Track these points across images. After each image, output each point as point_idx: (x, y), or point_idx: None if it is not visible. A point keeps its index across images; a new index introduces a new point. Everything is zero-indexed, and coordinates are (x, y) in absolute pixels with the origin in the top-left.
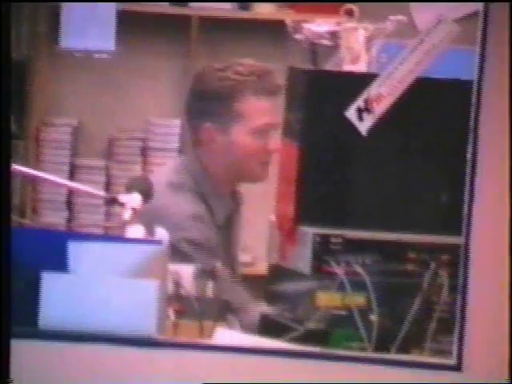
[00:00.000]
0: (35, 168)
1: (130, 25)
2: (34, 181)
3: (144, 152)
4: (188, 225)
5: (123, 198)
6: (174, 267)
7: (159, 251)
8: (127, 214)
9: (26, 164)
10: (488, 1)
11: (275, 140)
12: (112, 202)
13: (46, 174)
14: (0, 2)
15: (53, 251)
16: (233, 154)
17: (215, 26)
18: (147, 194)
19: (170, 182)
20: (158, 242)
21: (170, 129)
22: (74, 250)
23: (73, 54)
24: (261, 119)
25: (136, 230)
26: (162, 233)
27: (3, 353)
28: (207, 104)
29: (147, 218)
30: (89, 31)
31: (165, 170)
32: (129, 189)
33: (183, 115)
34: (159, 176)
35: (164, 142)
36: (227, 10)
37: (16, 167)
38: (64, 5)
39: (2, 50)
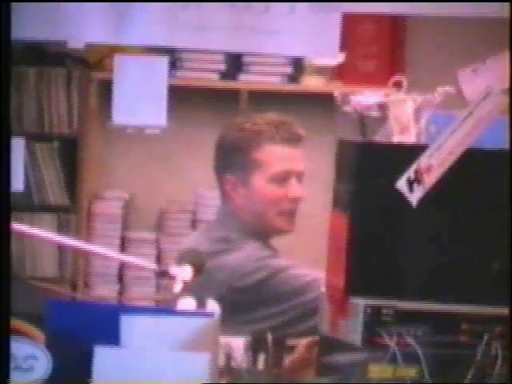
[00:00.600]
0: (87, 241)
1: (180, 99)
2: (85, 254)
3: (194, 224)
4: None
5: (174, 270)
6: (225, 339)
7: (211, 324)
8: (178, 287)
9: (78, 237)
10: (489, 1)
11: (296, 187)
12: (163, 274)
13: (97, 248)
14: (0, 2)
15: (105, 325)
16: (254, 204)
17: (264, 99)
18: (198, 266)
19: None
20: (210, 315)
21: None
22: (126, 323)
23: (124, 129)
24: (279, 166)
25: (187, 303)
26: (213, 305)
27: (3, 352)
28: (227, 155)
29: (198, 290)
30: (140, 107)
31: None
32: (180, 261)
33: (212, 172)
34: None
35: (214, 213)
36: (276, 83)
37: (67, 240)
38: (115, 79)
39: (1, 49)
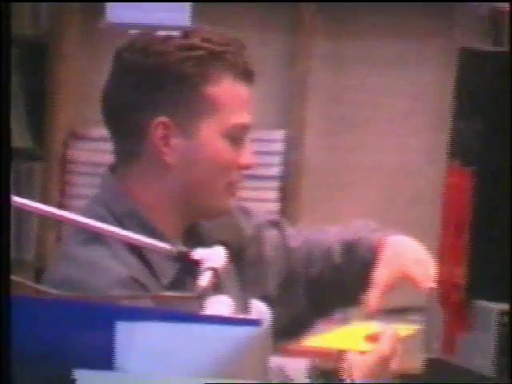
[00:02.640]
0: (60, 205)
1: None
2: (58, 225)
3: None
4: None
5: (199, 253)
6: (278, 360)
7: (257, 336)
8: (205, 279)
9: (46, 198)
10: (488, 1)
11: (249, 151)
12: (181, 259)
13: (77, 216)
14: (0, 2)
15: (92, 335)
16: (197, 166)
17: None
18: (237, 247)
19: None
20: (255, 322)
21: (268, 145)
22: (124, 334)
23: (124, 30)
24: (239, 116)
25: (219, 304)
26: (260, 307)
27: (3, 353)
28: (160, 85)
29: (237, 283)
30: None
31: None
32: (207, 238)
33: (103, 111)
34: None
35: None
36: None
37: (31, 204)
38: None
39: (2, 50)
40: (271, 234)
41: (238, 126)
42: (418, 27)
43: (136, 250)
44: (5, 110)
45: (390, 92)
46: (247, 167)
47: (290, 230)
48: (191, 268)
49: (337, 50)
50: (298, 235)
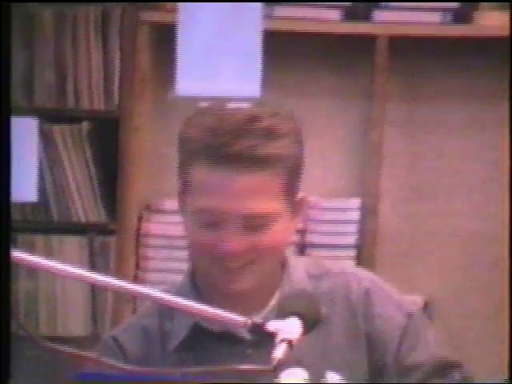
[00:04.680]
0: (134, 279)
1: (280, 52)
2: (132, 299)
3: (302, 250)
4: None
5: (273, 324)
6: None
7: None
8: (280, 351)
9: (121, 272)
10: (488, 1)
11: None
12: (256, 330)
13: (150, 289)
14: (0, 2)
15: None
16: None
17: (413, 47)
18: (312, 319)
19: None
20: None
21: (343, 214)
22: None
23: (194, 103)
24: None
25: (293, 376)
26: (334, 379)
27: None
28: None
29: (311, 355)
30: (220, 67)
31: None
32: (281, 310)
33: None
34: None
35: (334, 234)
36: (431, 23)
37: (104, 278)
38: (180, 24)
39: (2, 50)
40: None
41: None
42: (494, 89)
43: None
44: (5, 111)
45: (467, 157)
46: (225, 251)
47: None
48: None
49: (411, 116)
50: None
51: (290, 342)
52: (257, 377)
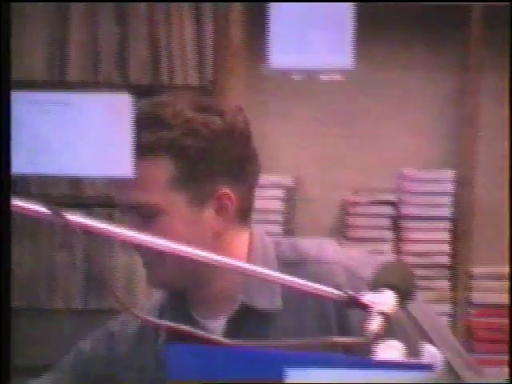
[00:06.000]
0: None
1: (375, 21)
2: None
3: (396, 223)
4: None
5: (368, 297)
6: None
7: (430, 380)
8: (376, 323)
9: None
10: (488, 1)
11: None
12: (351, 303)
13: (250, 265)
14: (0, 2)
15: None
16: None
17: (505, 18)
18: (407, 291)
19: None
20: (428, 367)
21: (438, 185)
22: (294, 380)
23: (287, 76)
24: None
25: (390, 349)
26: (431, 351)
27: (3, 351)
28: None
29: (406, 328)
30: (312, 38)
31: None
32: (376, 283)
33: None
34: None
35: (428, 206)
36: None
37: (199, 253)
38: (272, 11)
39: (2, 51)
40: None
41: None
42: None
43: None
44: (5, 113)
45: None
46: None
47: None
48: None
49: (506, 85)
50: None
51: (385, 315)
52: (352, 349)
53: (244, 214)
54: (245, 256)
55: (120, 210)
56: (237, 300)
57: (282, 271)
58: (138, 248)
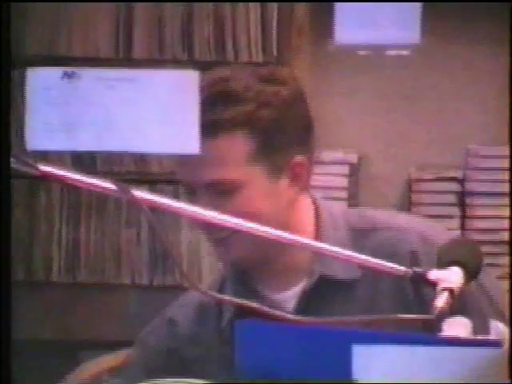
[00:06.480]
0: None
1: (436, 3)
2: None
3: (463, 199)
4: None
5: (435, 273)
6: None
7: (497, 357)
8: (441, 300)
9: None
10: (488, 1)
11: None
12: (417, 279)
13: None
14: (0, 2)
15: (327, 359)
16: None
17: None
18: (474, 268)
19: None
20: (495, 344)
21: (502, 161)
22: (361, 357)
23: (353, 51)
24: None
25: (457, 325)
26: (499, 328)
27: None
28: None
29: (474, 304)
30: (378, 17)
31: None
32: (443, 259)
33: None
34: None
35: (492, 182)
36: None
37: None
38: None
39: (2, 51)
40: None
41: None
42: None
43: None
44: (5, 114)
45: None
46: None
47: None
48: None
49: None
50: None
51: (451, 291)
52: (419, 325)
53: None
54: (313, 223)
55: (195, 189)
56: (312, 271)
57: (352, 238)
58: (206, 226)
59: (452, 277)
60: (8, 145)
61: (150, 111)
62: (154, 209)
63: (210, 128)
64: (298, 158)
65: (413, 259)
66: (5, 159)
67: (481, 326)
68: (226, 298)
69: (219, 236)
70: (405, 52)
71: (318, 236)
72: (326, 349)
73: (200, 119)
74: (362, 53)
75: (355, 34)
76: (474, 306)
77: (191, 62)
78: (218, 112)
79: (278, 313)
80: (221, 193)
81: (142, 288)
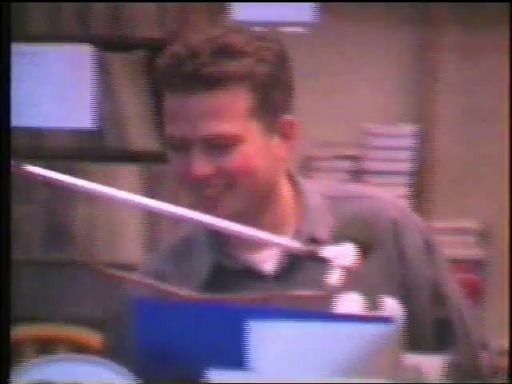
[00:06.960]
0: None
1: None
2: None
3: (358, 177)
4: None
5: (328, 250)
6: (412, 358)
7: (389, 333)
8: (335, 277)
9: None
10: (488, 1)
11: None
12: (311, 256)
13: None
14: (0, 2)
15: (221, 336)
16: None
17: None
18: (366, 244)
19: None
20: (387, 320)
21: (398, 140)
22: (255, 334)
23: (249, 27)
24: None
25: (350, 301)
26: (391, 304)
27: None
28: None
29: (367, 280)
30: None
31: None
32: (337, 236)
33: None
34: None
35: (389, 160)
36: None
37: (163, 206)
38: None
39: (1, 51)
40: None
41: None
42: None
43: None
44: (5, 113)
45: None
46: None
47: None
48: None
49: (467, 40)
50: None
51: (345, 268)
52: (310, 302)
53: None
54: (291, 189)
55: (189, 144)
56: (299, 230)
57: (329, 205)
58: (193, 182)
59: (346, 254)
60: None
61: (44, 86)
62: (50, 184)
63: (211, 81)
64: (288, 117)
65: (394, 228)
66: None
67: (372, 303)
68: (128, 275)
69: (209, 192)
70: (300, 29)
71: (297, 202)
72: (222, 326)
73: (201, 73)
74: (258, 29)
75: (249, 11)
76: (367, 282)
77: (86, 37)
78: (221, 65)
79: (176, 290)
80: (217, 147)
81: (37, 263)
